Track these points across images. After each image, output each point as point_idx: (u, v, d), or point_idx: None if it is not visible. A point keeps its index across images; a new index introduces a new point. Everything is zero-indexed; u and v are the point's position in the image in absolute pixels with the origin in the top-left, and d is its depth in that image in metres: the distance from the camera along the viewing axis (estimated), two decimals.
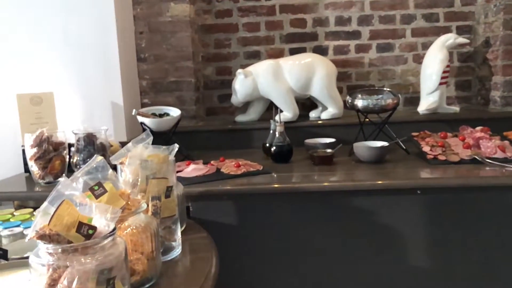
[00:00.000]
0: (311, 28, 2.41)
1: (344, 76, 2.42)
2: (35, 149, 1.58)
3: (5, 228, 1.12)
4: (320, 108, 2.25)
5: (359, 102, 1.84)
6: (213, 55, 2.44)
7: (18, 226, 1.14)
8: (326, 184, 1.51)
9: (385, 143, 1.75)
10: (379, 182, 1.48)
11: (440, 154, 1.67)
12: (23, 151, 1.67)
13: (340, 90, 2.31)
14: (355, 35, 2.40)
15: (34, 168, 1.60)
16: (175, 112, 1.94)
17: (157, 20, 2.19)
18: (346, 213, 1.51)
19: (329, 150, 1.78)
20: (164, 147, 1.09)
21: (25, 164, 1.70)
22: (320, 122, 2.18)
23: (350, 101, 1.88)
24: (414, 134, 1.86)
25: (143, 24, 2.20)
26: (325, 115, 2.19)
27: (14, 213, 1.30)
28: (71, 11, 1.92)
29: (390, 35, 2.39)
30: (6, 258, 0.93)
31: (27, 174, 1.74)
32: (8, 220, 1.22)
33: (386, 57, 2.41)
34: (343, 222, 1.51)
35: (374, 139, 1.83)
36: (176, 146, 1.10)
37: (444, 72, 2.09)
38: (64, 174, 1.63)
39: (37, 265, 0.72)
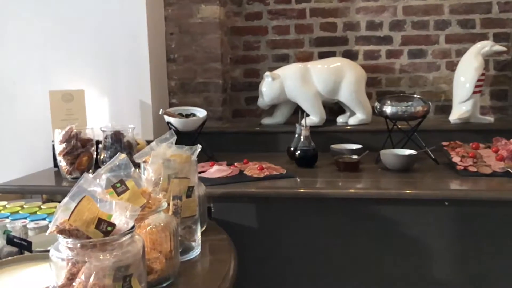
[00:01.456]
0: (341, 32, 2.38)
1: (373, 81, 2.37)
2: (63, 145, 1.61)
3: (32, 220, 1.15)
4: (348, 113, 2.22)
5: (388, 109, 1.80)
6: (241, 57, 2.45)
7: (44, 219, 1.17)
8: (350, 191, 1.48)
9: (413, 152, 1.71)
10: (406, 191, 1.44)
11: (470, 165, 1.61)
12: (53, 146, 1.71)
13: (369, 96, 2.26)
14: (387, 40, 2.36)
15: (62, 163, 1.64)
16: (201, 113, 1.95)
17: (188, 22, 2.22)
18: (370, 222, 1.47)
19: (355, 157, 1.74)
20: (187, 147, 1.10)
21: (55, 159, 1.74)
22: (347, 127, 2.14)
23: (378, 107, 1.84)
24: (445, 143, 1.80)
25: (174, 25, 2.23)
26: (352, 121, 2.15)
27: (41, 206, 1.33)
28: (103, 11, 1.96)
29: (423, 41, 2.33)
30: (30, 250, 0.95)
31: (56, 169, 1.78)
32: (35, 213, 1.25)
33: (418, 63, 2.35)
34: (366, 230, 1.48)
35: (402, 147, 1.79)
36: (199, 147, 1.10)
37: (478, 80, 2.02)
38: (91, 170, 1.66)
39: (57, 259, 0.73)
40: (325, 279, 1.52)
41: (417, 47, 2.34)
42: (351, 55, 2.36)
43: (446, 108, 2.29)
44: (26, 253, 0.95)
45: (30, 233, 1.10)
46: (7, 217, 1.18)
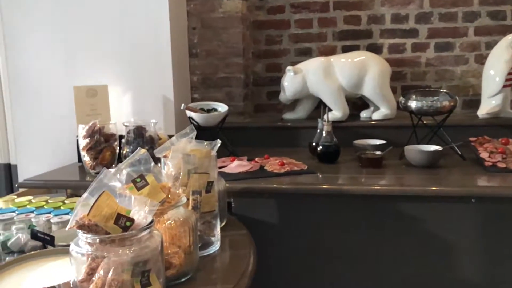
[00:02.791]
0: (365, 25, 2.33)
1: (398, 75, 2.32)
2: (87, 140, 1.64)
3: (55, 215, 1.17)
4: (371, 108, 2.18)
5: (413, 103, 1.76)
6: (263, 51, 2.43)
7: (67, 214, 1.19)
8: (373, 187, 1.45)
9: (439, 148, 1.66)
10: (431, 188, 1.40)
11: (499, 161, 1.55)
12: (77, 141, 1.73)
13: (394, 90, 2.21)
14: (412, 33, 2.30)
15: (86, 158, 1.67)
16: (222, 107, 1.95)
17: (210, 16, 2.21)
18: (393, 219, 1.44)
19: (378, 152, 1.71)
20: (207, 142, 1.10)
21: (79, 154, 1.77)
22: (371, 122, 2.10)
23: (403, 101, 1.80)
24: (472, 139, 1.75)
25: (196, 20, 2.23)
26: (376, 116, 2.11)
27: (65, 201, 1.35)
28: (126, 7, 1.98)
29: (451, 33, 2.26)
30: (53, 245, 0.97)
31: (80, 163, 1.81)
32: (59, 207, 1.28)
33: (445, 56, 2.28)
34: (389, 228, 1.45)
35: (428, 143, 1.75)
36: (218, 142, 1.10)
37: (509, 73, 1.95)
38: (113, 165, 1.68)
39: (77, 254, 0.74)
40: (345, 276, 1.50)
41: (445, 40, 2.27)
42: (375, 49, 2.31)
43: (474, 103, 2.22)
44: (49, 247, 0.97)
45: (53, 227, 1.12)
46: (32, 212, 1.21)
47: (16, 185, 1.71)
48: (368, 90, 2.08)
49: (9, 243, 0.98)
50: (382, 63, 2.10)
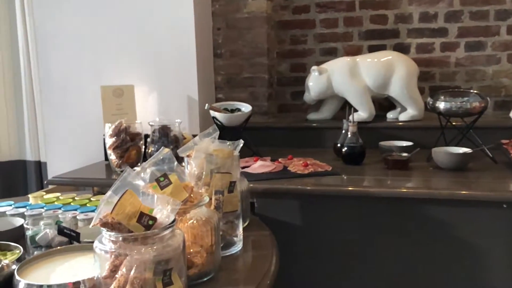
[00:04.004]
0: (392, 24, 2.29)
1: (426, 76, 2.27)
2: (113, 139, 1.67)
3: (82, 212, 1.19)
4: (398, 109, 2.13)
5: (441, 104, 1.71)
6: (288, 51, 2.42)
7: (93, 211, 1.21)
8: (399, 190, 1.41)
9: (468, 150, 1.61)
10: (460, 192, 1.36)
11: None
12: (104, 140, 1.77)
13: (421, 90, 2.17)
14: (441, 32, 2.24)
15: (112, 156, 1.70)
16: (246, 108, 1.95)
17: (235, 17, 2.22)
18: (419, 223, 1.41)
19: (405, 154, 1.67)
20: (230, 142, 1.09)
21: (105, 152, 1.80)
22: (397, 123, 2.06)
23: (431, 102, 1.75)
24: (504, 141, 1.69)
25: (221, 20, 2.24)
26: (403, 117, 2.07)
27: (91, 199, 1.38)
28: (152, 8, 2.00)
29: (482, 32, 2.20)
30: (78, 241, 0.99)
31: (107, 162, 1.84)
32: (85, 205, 1.30)
33: (476, 56, 2.22)
34: (415, 232, 1.41)
35: (457, 145, 1.70)
36: (241, 142, 1.10)
37: None
38: (139, 164, 1.71)
39: (100, 251, 0.75)
40: (367, 280, 1.47)
41: (475, 39, 2.21)
42: (402, 49, 2.27)
43: (506, 104, 2.15)
44: (75, 243, 0.98)
45: (79, 224, 1.14)
46: (59, 208, 1.23)
47: (45, 182, 1.76)
48: (395, 91, 2.04)
49: (37, 238, 1.00)
50: (409, 63, 2.06)
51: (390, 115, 2.14)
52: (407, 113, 2.06)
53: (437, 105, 1.72)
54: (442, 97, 1.76)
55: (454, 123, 1.75)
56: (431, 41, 2.26)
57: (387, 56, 2.06)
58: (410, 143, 1.79)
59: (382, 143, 1.82)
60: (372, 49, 2.30)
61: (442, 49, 2.25)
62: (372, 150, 1.76)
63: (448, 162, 1.58)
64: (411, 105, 2.05)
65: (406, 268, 1.43)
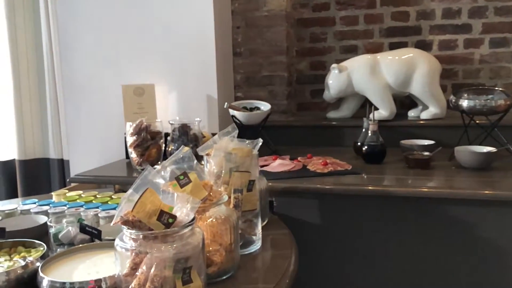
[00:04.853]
0: (414, 21, 2.25)
1: (449, 73, 2.22)
2: (134, 137, 1.68)
3: (103, 210, 1.21)
4: (420, 107, 2.10)
5: (465, 102, 1.67)
6: (307, 49, 2.40)
7: (114, 209, 1.22)
8: (421, 189, 1.39)
9: (492, 149, 1.57)
10: (483, 191, 1.33)
11: None
12: (125, 138, 1.79)
13: (444, 88, 2.13)
14: (465, 28, 2.19)
15: (133, 155, 1.72)
16: (265, 106, 1.95)
17: (254, 15, 2.22)
18: (441, 223, 1.38)
19: (426, 153, 1.65)
20: (248, 141, 1.09)
21: (127, 151, 1.82)
22: (419, 122, 2.03)
23: (454, 100, 1.72)
24: None
25: (240, 19, 2.24)
26: (425, 115, 2.03)
27: (113, 196, 1.39)
28: (172, 8, 2.01)
29: (507, 28, 2.14)
30: (100, 239, 1.00)
31: (128, 160, 1.87)
32: (106, 202, 1.32)
33: (501, 53, 2.16)
34: (437, 232, 1.39)
35: (480, 144, 1.66)
36: (260, 141, 1.10)
37: None
38: (159, 162, 1.72)
39: (121, 249, 0.76)
40: (387, 282, 1.45)
41: (500, 35, 2.16)
42: (424, 46, 2.23)
43: None
44: (97, 241, 1.00)
45: (101, 221, 1.16)
46: (81, 206, 1.25)
47: (68, 180, 1.79)
48: (416, 89, 2.01)
49: (60, 236, 1.02)
50: (431, 60, 2.02)
51: (412, 114, 2.11)
52: (429, 111, 2.03)
53: (460, 103, 1.69)
54: (466, 95, 1.73)
55: (477, 122, 1.71)
56: (454, 37, 2.21)
57: (409, 54, 2.02)
58: (432, 142, 1.76)
59: (403, 141, 1.80)
60: (393, 46, 2.27)
61: (465, 45, 2.21)
62: (392, 149, 1.74)
63: (472, 161, 1.55)
64: (433, 103, 2.01)
65: (427, 269, 1.41)
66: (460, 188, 1.38)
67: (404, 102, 2.21)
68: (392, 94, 2.03)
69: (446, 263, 1.39)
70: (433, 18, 2.23)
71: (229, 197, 1.03)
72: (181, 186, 0.89)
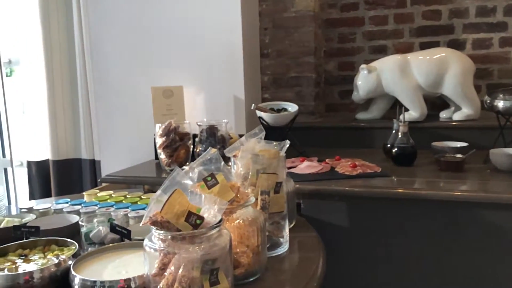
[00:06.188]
0: (446, 20, 2.20)
1: (483, 73, 2.16)
2: (163, 138, 1.71)
3: (133, 210, 1.23)
4: (452, 108, 2.04)
5: (500, 103, 1.62)
6: (336, 50, 2.38)
7: (143, 209, 1.24)
8: (453, 193, 1.35)
9: None
10: None
11: None
12: (154, 139, 1.81)
13: (478, 89, 2.07)
14: (500, 27, 2.12)
15: (162, 155, 1.74)
16: (292, 107, 1.93)
17: (282, 16, 2.21)
18: (474, 229, 1.33)
19: (459, 155, 1.60)
20: (276, 142, 1.09)
21: (156, 151, 1.84)
22: (451, 123, 1.97)
23: (489, 101, 1.66)
24: None
25: (268, 20, 2.24)
26: (458, 116, 1.97)
27: (142, 196, 1.42)
28: (201, 10, 2.03)
29: None
30: (129, 238, 1.02)
31: (157, 161, 1.89)
32: (136, 202, 1.34)
33: None
34: (469, 238, 1.34)
35: None
36: (287, 143, 1.09)
37: None
38: (187, 163, 1.74)
39: (150, 249, 0.77)
40: (414, 287, 1.41)
41: None
42: (457, 45, 2.17)
43: None
44: (126, 241, 1.01)
45: (130, 221, 1.18)
46: (112, 206, 1.28)
47: (99, 180, 1.83)
48: (448, 89, 1.95)
49: (91, 235, 1.05)
50: (464, 59, 1.96)
51: (443, 115, 2.05)
52: (462, 113, 1.97)
53: (495, 103, 1.63)
54: (501, 95, 1.67)
55: None
56: (489, 36, 2.14)
57: (441, 53, 1.97)
58: (465, 144, 1.71)
59: (435, 143, 1.75)
60: (424, 46, 2.22)
61: (501, 44, 2.13)
62: (423, 151, 1.70)
63: (508, 164, 1.50)
64: (466, 104, 1.96)
65: (459, 277, 1.37)
66: (496, 192, 1.33)
67: (436, 103, 2.15)
68: (423, 94, 1.98)
69: (479, 271, 1.35)
70: (466, 16, 2.16)
71: (256, 199, 1.02)
72: (209, 187, 0.90)
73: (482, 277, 1.34)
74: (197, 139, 1.76)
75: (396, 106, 1.86)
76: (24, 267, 0.92)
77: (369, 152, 1.90)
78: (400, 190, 1.39)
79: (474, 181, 1.46)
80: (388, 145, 1.76)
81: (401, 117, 1.68)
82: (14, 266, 0.92)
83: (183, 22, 2.07)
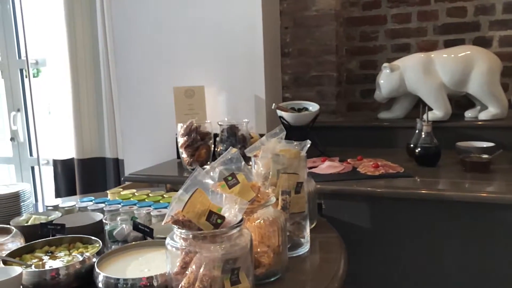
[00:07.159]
0: (472, 17, 2.14)
1: (511, 71, 2.10)
2: (185, 138, 1.72)
3: (155, 208, 1.25)
4: (478, 107, 2.00)
5: None
6: (358, 48, 2.35)
7: (166, 207, 1.25)
8: (479, 194, 1.32)
9: None
10: None
11: None
12: (176, 139, 1.83)
13: (505, 87, 2.01)
14: None
15: (183, 155, 1.76)
16: (313, 107, 1.92)
17: (303, 15, 2.20)
18: (501, 231, 1.30)
19: (485, 156, 1.56)
20: (296, 142, 1.08)
21: (178, 151, 1.86)
22: (477, 123, 1.93)
23: None
24: None
25: (289, 19, 2.23)
26: (484, 116, 1.93)
27: (164, 195, 1.43)
28: (222, 9, 2.04)
29: None
30: (152, 237, 1.03)
31: (179, 160, 1.91)
32: (158, 201, 1.36)
33: None
34: (496, 240, 1.31)
35: None
36: (308, 142, 1.08)
37: None
38: (208, 162, 1.75)
39: (172, 247, 0.78)
40: None
41: None
42: (483, 42, 2.12)
43: None
44: (149, 239, 1.03)
45: (153, 220, 1.19)
46: (135, 204, 1.30)
47: (122, 179, 1.86)
48: (474, 88, 1.91)
49: (114, 233, 1.06)
50: (491, 57, 1.91)
51: (469, 114, 2.01)
52: (488, 112, 1.92)
53: None
54: None
55: None
56: None
57: (466, 51, 1.93)
58: (491, 144, 1.67)
59: (460, 143, 1.71)
60: (449, 44, 2.17)
61: None
62: (448, 151, 1.66)
63: None
64: (493, 103, 1.91)
65: (485, 280, 1.33)
66: None
67: (460, 102, 2.11)
68: (447, 93, 1.94)
69: (507, 274, 1.31)
70: (493, 13, 2.11)
71: (277, 199, 1.02)
72: (230, 187, 0.90)
73: (508, 278, 1.31)
74: (218, 139, 1.77)
75: (419, 105, 1.83)
76: (50, 264, 0.94)
77: (391, 152, 1.87)
78: (423, 191, 1.37)
79: (501, 182, 1.43)
80: (411, 145, 1.73)
81: (425, 116, 1.66)
82: (40, 262, 0.95)
83: (204, 22, 2.08)
